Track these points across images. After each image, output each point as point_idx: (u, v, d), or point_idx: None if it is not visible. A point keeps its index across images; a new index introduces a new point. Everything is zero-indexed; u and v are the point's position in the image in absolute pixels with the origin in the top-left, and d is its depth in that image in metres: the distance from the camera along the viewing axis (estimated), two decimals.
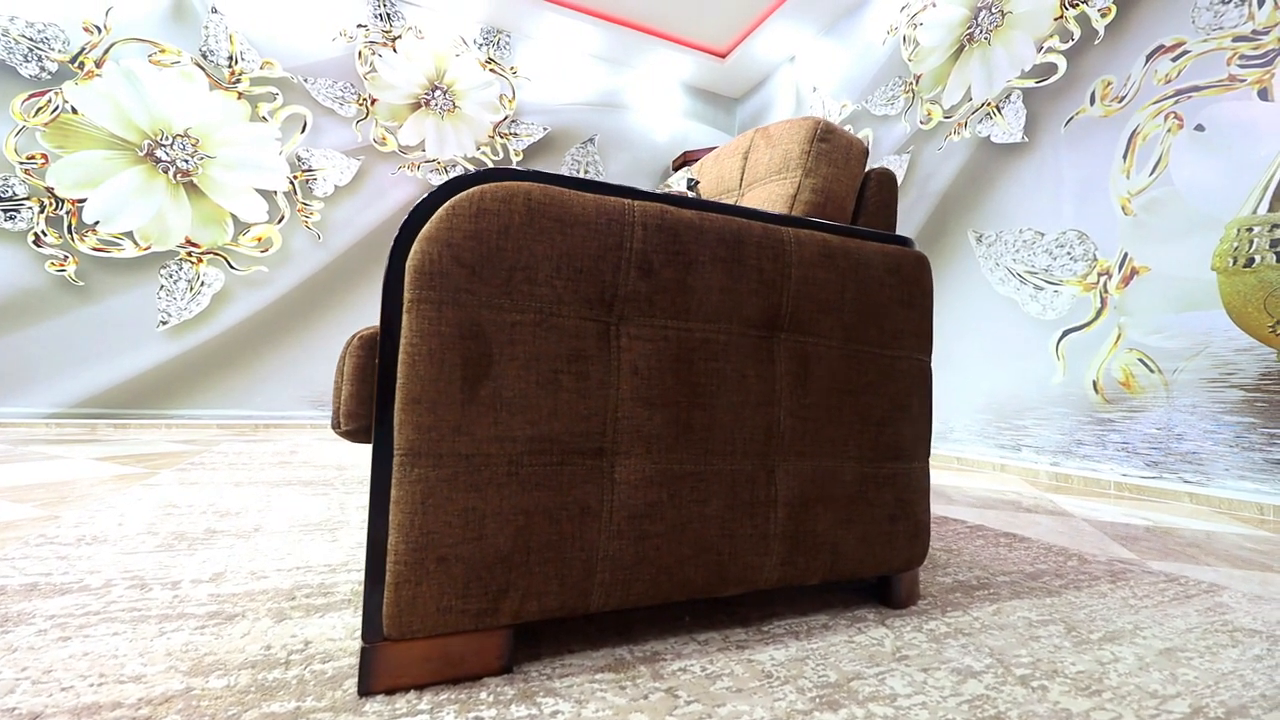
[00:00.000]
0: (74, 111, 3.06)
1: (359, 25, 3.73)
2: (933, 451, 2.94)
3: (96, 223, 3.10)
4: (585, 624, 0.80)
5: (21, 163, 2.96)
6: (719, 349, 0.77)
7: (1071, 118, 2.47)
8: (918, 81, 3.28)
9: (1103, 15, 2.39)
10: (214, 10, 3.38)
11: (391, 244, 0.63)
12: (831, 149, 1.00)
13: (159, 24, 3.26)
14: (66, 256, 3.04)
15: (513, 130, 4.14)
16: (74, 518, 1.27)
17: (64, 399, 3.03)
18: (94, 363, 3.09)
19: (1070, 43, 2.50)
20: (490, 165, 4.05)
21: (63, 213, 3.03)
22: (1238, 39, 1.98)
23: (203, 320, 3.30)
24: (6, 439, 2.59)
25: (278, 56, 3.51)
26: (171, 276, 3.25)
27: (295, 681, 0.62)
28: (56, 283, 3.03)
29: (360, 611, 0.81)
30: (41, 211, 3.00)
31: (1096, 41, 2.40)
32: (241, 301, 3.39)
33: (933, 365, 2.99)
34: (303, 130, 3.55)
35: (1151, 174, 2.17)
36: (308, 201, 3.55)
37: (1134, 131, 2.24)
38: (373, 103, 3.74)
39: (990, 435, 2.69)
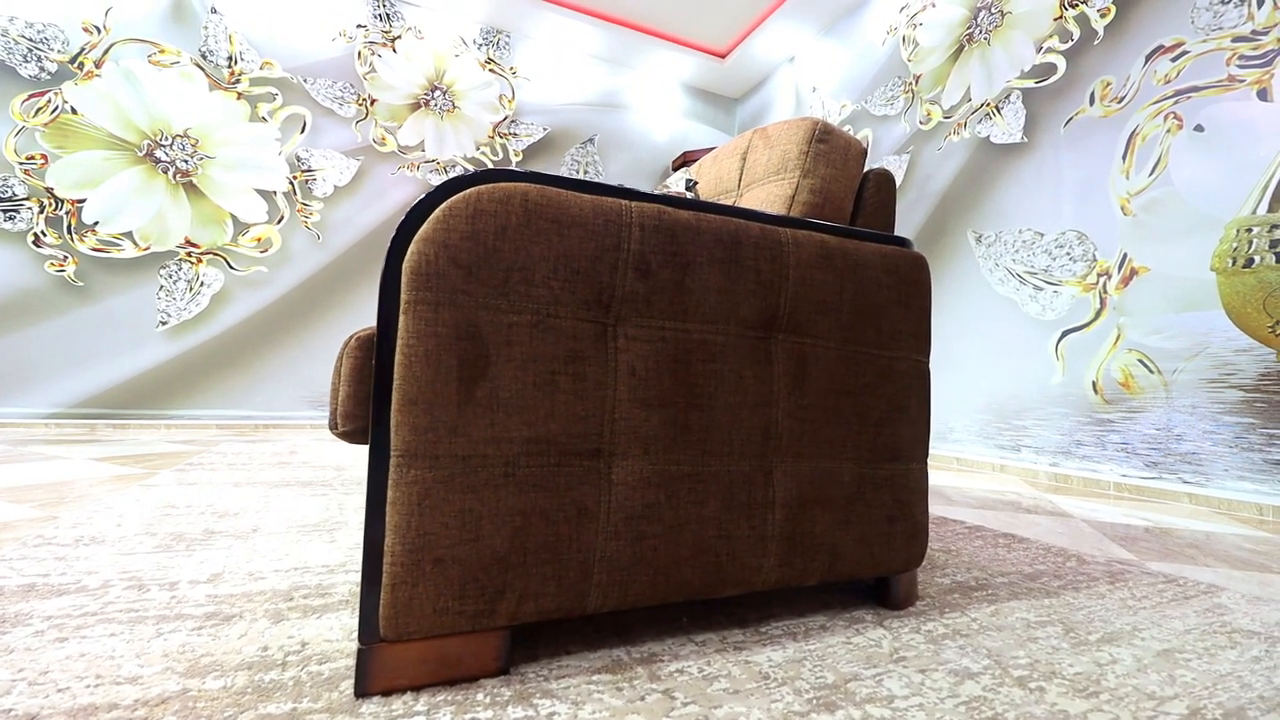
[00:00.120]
0: (73, 112, 3.06)
1: (358, 25, 3.74)
2: (932, 452, 2.94)
3: (96, 223, 3.10)
4: (583, 625, 0.80)
5: (21, 163, 2.96)
6: (716, 350, 0.77)
7: (1071, 118, 2.46)
8: (917, 82, 3.27)
9: (1102, 15, 2.39)
10: (213, 10, 3.38)
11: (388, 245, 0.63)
12: (829, 149, 1.00)
13: (158, 24, 3.26)
14: (66, 257, 3.04)
15: (512, 130, 4.14)
16: (72, 518, 1.27)
17: (63, 399, 3.03)
18: (93, 363, 3.09)
19: (1070, 43, 2.50)
20: (490, 166, 4.05)
21: (62, 213, 3.03)
22: (1237, 39, 1.97)
23: (202, 320, 3.30)
24: (5, 439, 2.59)
25: (277, 57, 3.52)
26: (171, 277, 3.25)
27: (292, 683, 0.62)
28: (56, 283, 3.03)
29: (357, 613, 0.81)
30: (41, 212, 3.00)
31: (1096, 42, 2.40)
32: (241, 302, 3.39)
33: (932, 366, 2.99)
34: (302, 130, 3.55)
35: (1151, 174, 2.17)
36: (307, 202, 3.55)
37: (1133, 132, 2.24)
38: (372, 103, 3.74)
39: (990, 436, 2.69)
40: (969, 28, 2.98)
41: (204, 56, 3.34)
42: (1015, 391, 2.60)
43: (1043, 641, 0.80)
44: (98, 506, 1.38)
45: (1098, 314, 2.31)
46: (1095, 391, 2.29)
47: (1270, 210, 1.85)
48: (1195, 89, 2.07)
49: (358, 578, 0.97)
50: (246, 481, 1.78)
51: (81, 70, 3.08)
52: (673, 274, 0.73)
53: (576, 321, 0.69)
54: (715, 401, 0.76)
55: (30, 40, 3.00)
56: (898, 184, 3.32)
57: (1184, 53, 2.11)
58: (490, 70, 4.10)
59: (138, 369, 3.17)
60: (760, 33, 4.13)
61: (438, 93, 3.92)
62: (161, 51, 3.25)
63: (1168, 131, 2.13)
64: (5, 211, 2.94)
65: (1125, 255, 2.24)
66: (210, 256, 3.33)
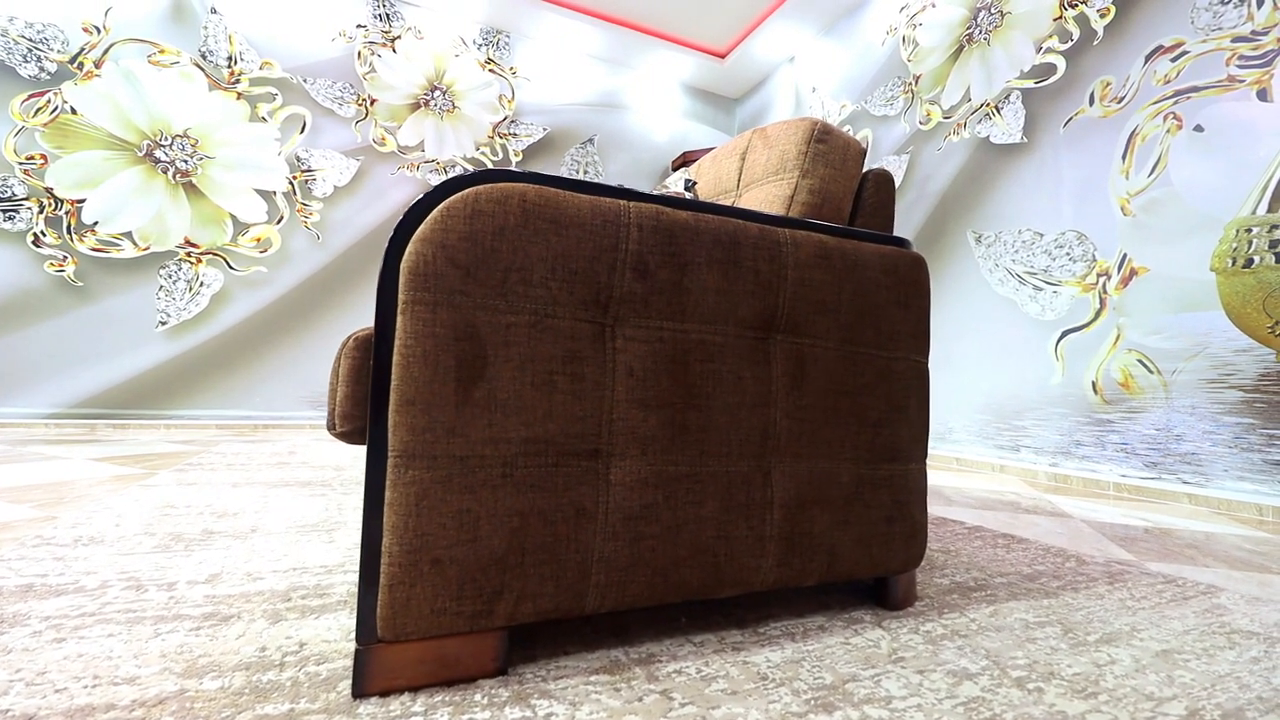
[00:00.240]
0: (73, 112, 3.06)
1: (358, 25, 3.74)
2: (932, 452, 2.94)
3: (95, 223, 3.10)
4: (581, 625, 0.80)
5: (21, 163, 2.96)
6: (715, 350, 0.77)
7: (1071, 118, 2.46)
8: (917, 82, 3.27)
9: (1102, 16, 2.39)
10: (213, 11, 3.38)
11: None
12: (828, 150, 1.00)
13: (158, 24, 3.26)
14: (65, 257, 3.04)
15: (512, 130, 4.14)
16: (71, 518, 1.27)
17: (63, 399, 3.03)
18: (93, 363, 3.09)
19: (1069, 43, 2.50)
20: (490, 166, 4.05)
21: (62, 213, 3.03)
22: (1237, 39, 1.97)
23: (202, 320, 3.30)
24: (5, 439, 2.59)
25: (277, 57, 3.52)
26: (171, 277, 3.25)
27: (289, 683, 0.62)
28: (55, 283, 3.03)
29: (355, 613, 0.81)
30: (41, 212, 3.00)
31: (1095, 42, 2.40)
32: (241, 302, 3.39)
33: (932, 366, 2.99)
34: (302, 130, 3.55)
35: (1150, 174, 2.17)
36: (307, 202, 3.55)
37: (1133, 132, 2.24)
38: (372, 103, 3.74)
39: (989, 436, 2.69)
40: (969, 28, 2.98)
41: (204, 56, 3.34)
42: (1015, 392, 2.60)
43: (1041, 642, 0.80)
44: (97, 507, 1.38)
45: (1097, 314, 2.31)
46: (1095, 392, 2.29)
47: (1270, 210, 1.85)
48: (1195, 89, 2.07)
49: (356, 578, 0.96)
50: (245, 482, 1.78)
51: (81, 70, 3.08)
52: (671, 274, 0.73)
53: (574, 322, 0.69)
54: (713, 402, 0.76)
55: (30, 40, 3.00)
56: (897, 184, 3.32)
57: (1184, 53, 2.11)
58: (490, 70, 4.10)
59: (137, 369, 3.17)
60: (760, 33, 4.13)
61: (437, 93, 3.92)
62: (161, 51, 3.25)
63: (1167, 132, 2.13)
64: (5, 211, 2.94)
65: (1125, 255, 2.24)
66: (210, 256, 3.33)
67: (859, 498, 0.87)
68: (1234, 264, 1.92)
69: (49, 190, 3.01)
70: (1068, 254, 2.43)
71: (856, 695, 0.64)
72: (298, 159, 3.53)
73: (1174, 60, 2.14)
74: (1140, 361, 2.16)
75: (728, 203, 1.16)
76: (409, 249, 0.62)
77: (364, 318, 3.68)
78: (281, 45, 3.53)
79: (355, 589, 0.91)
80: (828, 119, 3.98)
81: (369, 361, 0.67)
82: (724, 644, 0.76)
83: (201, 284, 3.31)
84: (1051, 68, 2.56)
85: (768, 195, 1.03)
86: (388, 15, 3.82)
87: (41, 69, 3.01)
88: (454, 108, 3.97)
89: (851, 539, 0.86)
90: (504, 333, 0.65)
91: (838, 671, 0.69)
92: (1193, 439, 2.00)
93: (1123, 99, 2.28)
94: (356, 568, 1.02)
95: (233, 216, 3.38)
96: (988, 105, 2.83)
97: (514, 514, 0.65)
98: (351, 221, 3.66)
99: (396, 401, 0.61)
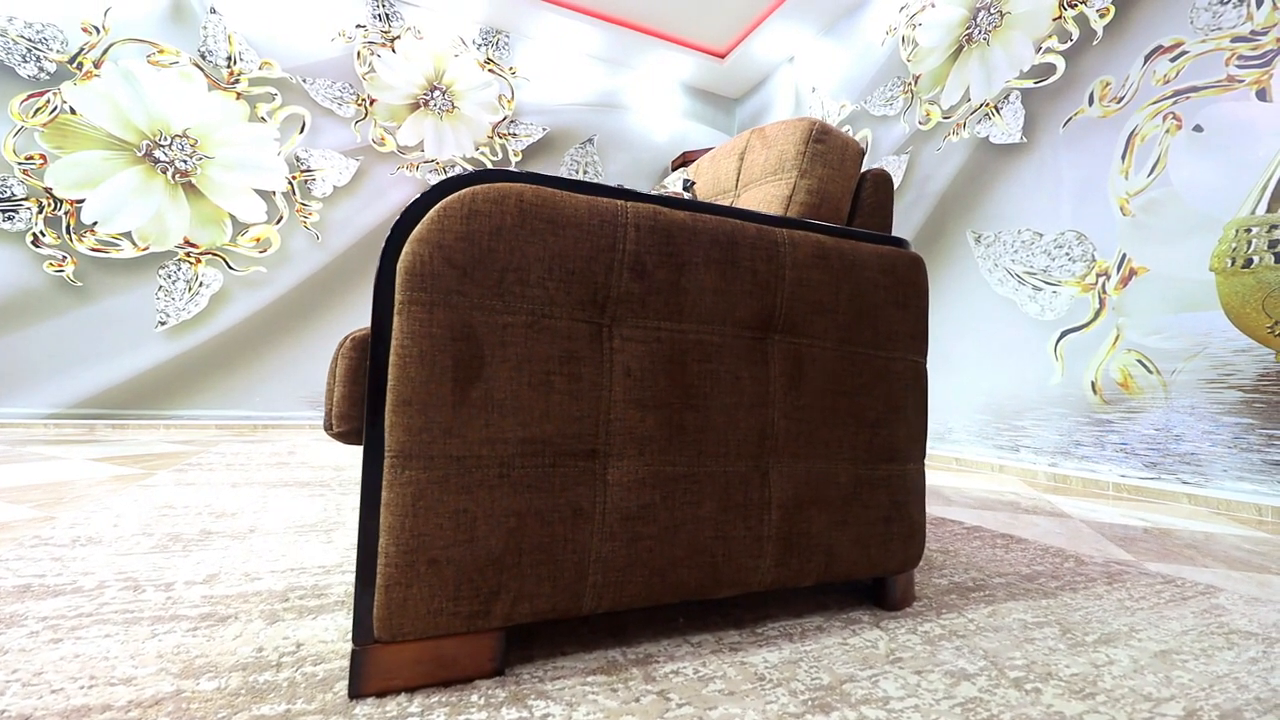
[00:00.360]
0: (72, 112, 3.06)
1: (358, 26, 3.73)
2: (931, 452, 2.94)
3: (95, 223, 3.10)
4: (579, 625, 0.80)
5: (20, 163, 2.96)
6: (712, 350, 0.77)
7: (1070, 118, 2.46)
8: (916, 82, 3.27)
9: (1101, 16, 2.39)
10: (212, 11, 3.38)
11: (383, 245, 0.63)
12: (827, 150, 1.00)
13: (157, 24, 3.26)
14: (65, 257, 3.04)
15: (512, 131, 4.14)
16: (69, 519, 1.26)
17: (62, 399, 3.03)
18: (92, 363, 3.09)
19: (1069, 43, 2.50)
20: (489, 166, 4.05)
21: (61, 213, 3.03)
22: (1236, 39, 1.97)
23: (201, 320, 3.30)
24: (4, 439, 2.58)
25: (276, 57, 3.51)
26: (170, 277, 3.25)
27: (286, 684, 0.62)
28: (55, 283, 3.03)
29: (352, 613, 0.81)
30: (40, 212, 3.00)
31: (1095, 42, 2.40)
32: (240, 302, 3.39)
33: (931, 366, 2.99)
34: (301, 130, 3.55)
35: (1150, 174, 2.17)
36: (306, 202, 3.55)
37: (1132, 132, 2.23)
38: (371, 103, 3.74)
39: (989, 436, 2.68)
40: (968, 28, 2.98)
41: (203, 56, 3.34)
42: (1014, 392, 2.60)
43: (1039, 642, 0.79)
44: (95, 507, 1.38)
45: (1097, 314, 2.31)
46: (1094, 392, 2.29)
47: (1269, 210, 1.85)
48: (1194, 89, 2.07)
49: (354, 578, 0.96)
50: (244, 482, 1.78)
51: (80, 70, 3.08)
52: (668, 274, 0.73)
53: (571, 322, 0.69)
54: (711, 402, 0.76)
55: (29, 40, 3.00)
56: (897, 184, 3.31)
57: (1183, 53, 2.11)
58: (489, 70, 4.10)
59: (137, 369, 3.16)
60: (760, 33, 4.13)
61: (437, 93, 3.92)
62: (160, 51, 3.25)
63: (1167, 132, 2.13)
64: (4, 212, 2.94)
65: (1124, 255, 2.24)
66: (209, 256, 3.33)
67: (857, 498, 0.87)
68: (1233, 264, 1.92)
69: (48, 190, 3.01)
70: (1067, 254, 2.43)
71: (854, 696, 0.64)
72: (297, 159, 3.53)
73: (1173, 60, 2.14)
74: (1140, 361, 2.16)
75: (726, 203, 1.16)
76: (405, 249, 0.62)
77: (363, 318, 3.68)
78: (281, 45, 3.53)
79: (353, 589, 0.91)
80: (827, 119, 3.98)
81: (366, 362, 0.67)
82: (721, 644, 0.75)
83: (201, 284, 3.30)
84: (1051, 68, 2.56)
85: (766, 195, 1.03)
86: (387, 15, 3.82)
87: (41, 69, 3.01)
88: (453, 108, 3.97)
89: (849, 539, 0.86)
90: (501, 333, 0.65)
91: (835, 672, 0.69)
92: (1192, 439, 1.99)
93: (1122, 99, 2.28)
94: (354, 568, 1.02)
95: (232, 216, 3.38)
96: (987, 105, 2.83)
97: (511, 514, 0.65)
98: (351, 221, 3.66)
99: (393, 402, 0.61)
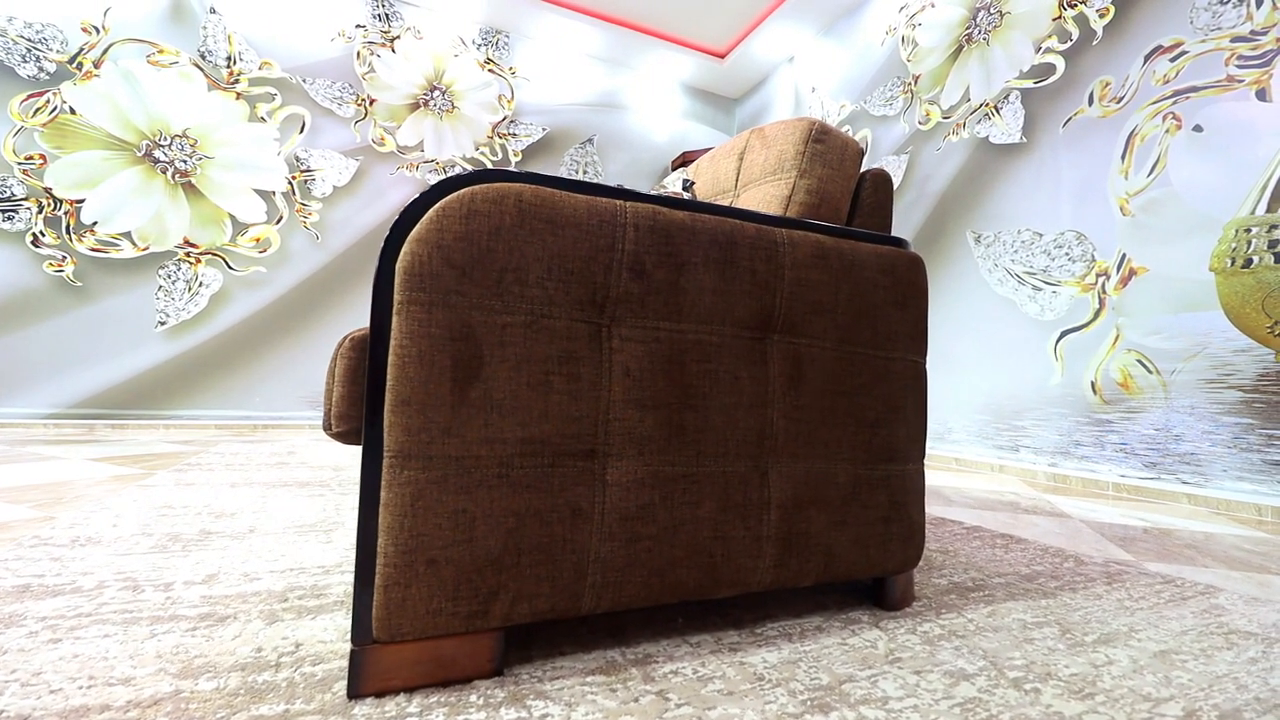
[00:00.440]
0: (72, 112, 3.06)
1: (357, 26, 3.73)
2: (931, 452, 2.94)
3: (95, 223, 3.10)
4: (578, 626, 0.80)
5: (20, 163, 2.96)
6: (711, 350, 0.76)
7: (1070, 118, 2.46)
8: (916, 82, 3.27)
9: (1101, 16, 2.39)
10: (212, 11, 3.38)
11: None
12: (826, 150, 1.00)
13: (157, 24, 3.26)
14: (64, 257, 3.04)
15: (511, 131, 4.14)
16: (69, 519, 1.26)
17: (62, 399, 3.03)
18: (92, 363, 3.09)
19: (1069, 43, 2.50)
20: (489, 166, 4.05)
21: (61, 213, 3.03)
22: (1236, 39, 1.97)
23: (201, 321, 3.30)
24: (4, 439, 2.58)
25: (276, 57, 3.51)
26: (170, 277, 3.25)
27: (285, 684, 0.62)
28: (55, 283, 3.03)
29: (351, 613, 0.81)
30: (40, 212, 3.00)
31: (1095, 42, 2.40)
32: (240, 302, 3.39)
33: (931, 366, 2.99)
34: (301, 130, 3.55)
35: (1150, 174, 2.17)
36: (306, 202, 3.55)
37: (1132, 132, 2.23)
38: (371, 103, 3.74)
39: (989, 436, 2.68)
40: (968, 28, 2.98)
41: (203, 56, 3.34)
42: (1014, 392, 2.60)
43: (1039, 643, 0.79)
44: (95, 507, 1.38)
45: (1096, 314, 2.31)
46: (1094, 392, 2.29)
47: (1269, 210, 1.85)
48: (1194, 89, 2.07)
49: (353, 579, 0.96)
50: (244, 482, 1.78)
51: (80, 70, 3.08)
52: (667, 274, 0.73)
53: (570, 322, 0.69)
54: (710, 402, 0.76)
55: (29, 40, 3.00)
56: (897, 184, 3.31)
57: (1183, 53, 2.11)
58: (489, 70, 4.10)
59: (136, 369, 3.16)
60: (760, 33, 4.13)
61: (437, 93, 3.92)
62: (160, 51, 3.25)
63: (1166, 132, 2.13)
64: (4, 212, 2.94)
65: (1124, 255, 2.24)
66: (209, 256, 3.33)
67: (856, 498, 0.87)
68: (1233, 264, 1.92)
69: (48, 190, 3.01)
70: (1067, 254, 2.43)
71: (853, 696, 0.64)
72: (297, 159, 3.53)
73: (1173, 60, 2.14)
74: (1139, 361, 2.16)
75: (725, 203, 1.16)
76: (404, 249, 0.62)
77: (363, 318, 3.68)
78: (281, 45, 3.53)
79: (352, 589, 0.91)
80: (827, 119, 3.98)
81: (365, 362, 0.67)
82: (721, 644, 0.75)
83: (201, 284, 3.30)
84: (1051, 68, 2.56)
85: (765, 195, 1.03)
86: (387, 15, 3.82)
87: (40, 69, 3.01)
88: (453, 108, 3.97)
89: (849, 539, 0.86)
90: (500, 333, 0.65)
91: (834, 672, 0.69)
92: (1192, 439, 1.99)
93: (1122, 99, 2.28)
94: (353, 568, 1.02)
95: (232, 216, 3.38)
96: (987, 105, 2.83)
97: (510, 514, 0.65)
98: (350, 221, 3.66)
99: (392, 402, 0.61)
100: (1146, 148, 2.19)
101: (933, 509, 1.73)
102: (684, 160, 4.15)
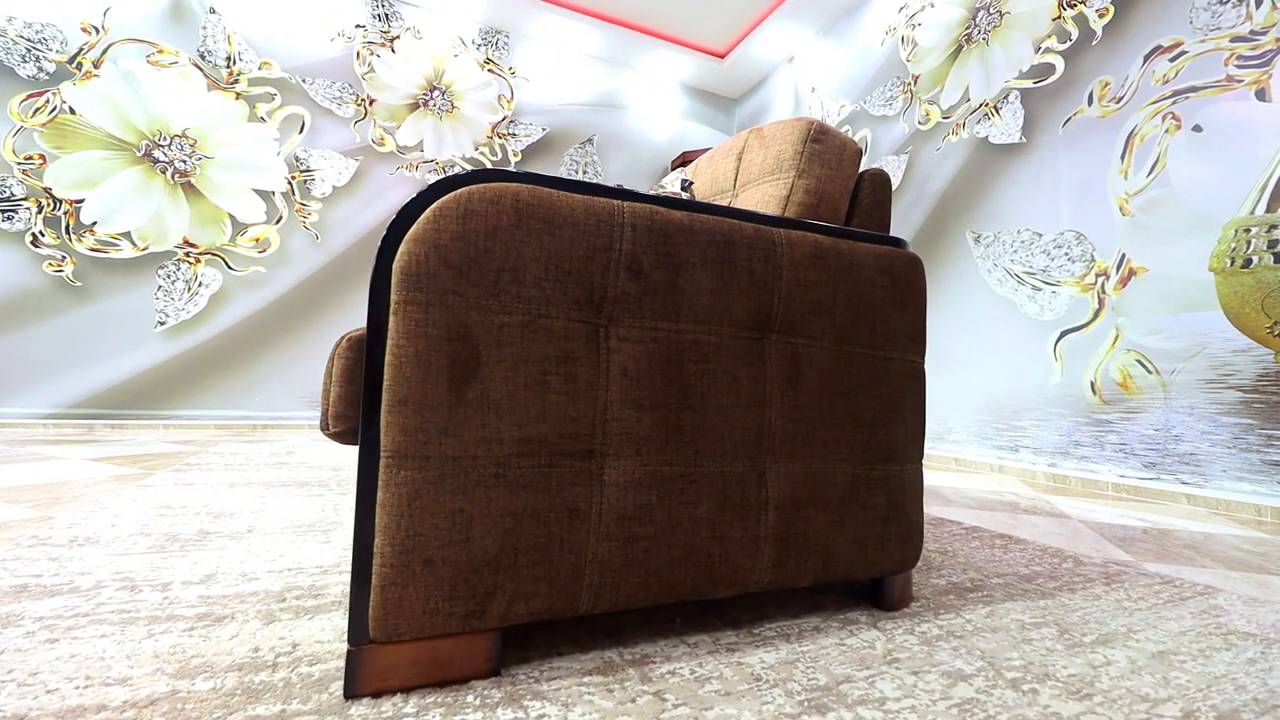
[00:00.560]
0: (72, 112, 3.06)
1: (357, 26, 3.73)
2: (930, 452, 2.93)
3: (94, 223, 3.10)
4: (575, 626, 0.80)
5: (19, 163, 2.96)
6: (709, 350, 0.76)
7: (1069, 118, 2.46)
8: (916, 82, 3.27)
9: (1100, 16, 2.39)
10: (212, 11, 3.38)
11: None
12: (825, 150, 1.00)
13: (157, 24, 3.26)
14: (64, 257, 3.04)
15: (511, 131, 4.14)
16: (67, 519, 1.26)
17: (61, 399, 3.02)
18: (92, 363, 3.09)
19: (1068, 43, 2.50)
20: (489, 166, 4.05)
21: (60, 213, 3.03)
22: (1235, 39, 1.97)
23: (201, 321, 3.30)
24: (3, 439, 2.58)
25: (276, 57, 3.51)
26: (169, 277, 3.24)
27: (282, 684, 0.62)
28: (54, 283, 3.03)
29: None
30: (39, 212, 3.00)
31: (1094, 42, 2.40)
32: (239, 302, 3.38)
33: (930, 366, 2.99)
34: (301, 131, 3.55)
35: (1149, 174, 2.17)
36: (305, 202, 3.55)
37: (1132, 132, 2.23)
38: (371, 103, 3.74)
39: (988, 436, 2.68)
40: (967, 28, 2.98)
41: (202, 57, 3.34)
42: (1013, 392, 2.59)
43: (1037, 643, 0.79)
44: (94, 507, 1.38)
45: (1096, 314, 2.31)
46: (1093, 392, 2.29)
47: (1268, 210, 1.85)
48: (1194, 89, 2.07)
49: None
50: (243, 482, 1.78)
51: (80, 70, 3.08)
52: (665, 274, 0.73)
53: (568, 322, 0.69)
54: (708, 402, 0.76)
55: (28, 40, 3.00)
56: (896, 184, 3.31)
57: (1182, 53, 2.11)
58: (489, 70, 4.10)
59: (136, 369, 3.16)
60: (759, 33, 4.13)
61: (436, 93, 3.92)
62: (160, 51, 3.25)
63: (1166, 132, 2.13)
64: (3, 212, 2.94)
65: (1123, 255, 2.24)
66: (208, 256, 3.33)
67: (854, 498, 0.87)
68: (1232, 264, 1.92)
69: (47, 190, 3.01)
70: (1066, 254, 2.43)
71: (850, 696, 0.63)
72: (296, 159, 3.53)
73: (1172, 60, 2.13)
74: (1139, 362, 2.15)
75: (724, 203, 1.16)
76: (401, 249, 0.62)
77: (362, 318, 3.68)
78: (280, 45, 3.53)
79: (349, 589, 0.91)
80: (827, 119, 3.98)
81: (362, 362, 0.67)
82: (718, 645, 0.75)
83: (200, 284, 3.30)
84: (1050, 68, 2.56)
85: (764, 195, 1.03)
86: (386, 15, 3.82)
87: (40, 69, 3.01)
88: (453, 108, 3.97)
89: (847, 540, 0.86)
90: (497, 333, 0.65)
91: (832, 672, 0.69)
92: (1191, 439, 1.99)
93: (1121, 99, 2.28)
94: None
95: (231, 216, 3.38)
96: (986, 105, 2.83)
97: (507, 514, 0.64)
98: (350, 221, 3.66)
99: (389, 402, 0.61)
100: (1146, 148, 2.19)
101: (931, 509, 1.73)
102: (684, 160, 4.15)
